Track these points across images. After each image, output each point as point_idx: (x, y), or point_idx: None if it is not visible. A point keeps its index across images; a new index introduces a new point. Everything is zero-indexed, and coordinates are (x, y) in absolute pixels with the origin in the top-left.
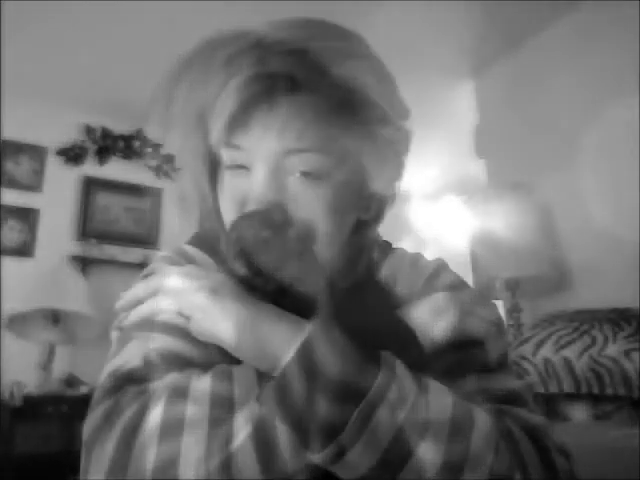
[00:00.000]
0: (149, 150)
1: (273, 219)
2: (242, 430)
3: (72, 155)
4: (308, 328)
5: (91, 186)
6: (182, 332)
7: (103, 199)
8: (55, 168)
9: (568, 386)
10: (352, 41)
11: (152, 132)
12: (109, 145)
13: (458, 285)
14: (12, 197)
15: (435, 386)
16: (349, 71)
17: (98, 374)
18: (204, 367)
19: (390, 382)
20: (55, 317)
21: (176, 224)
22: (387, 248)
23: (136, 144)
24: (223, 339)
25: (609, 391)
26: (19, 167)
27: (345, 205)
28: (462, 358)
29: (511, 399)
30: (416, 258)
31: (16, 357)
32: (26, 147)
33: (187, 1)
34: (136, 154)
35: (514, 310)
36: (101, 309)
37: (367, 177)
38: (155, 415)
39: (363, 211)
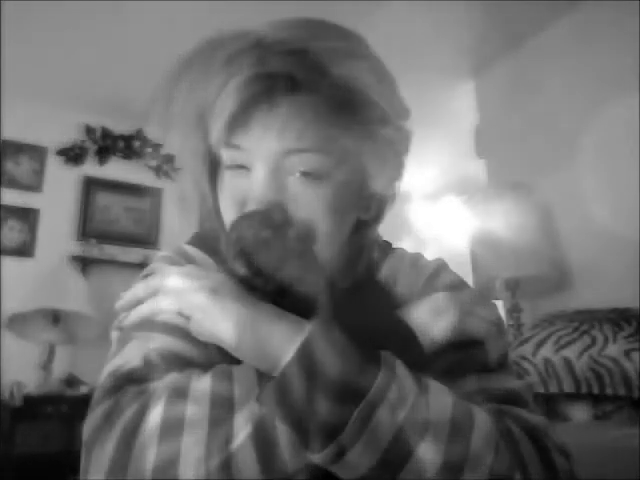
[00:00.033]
0: (149, 150)
1: (273, 219)
2: (242, 430)
3: (72, 155)
4: (308, 328)
5: (91, 186)
6: (182, 332)
7: (103, 199)
8: (55, 168)
9: (568, 386)
10: (352, 41)
11: (152, 132)
12: (109, 145)
13: (458, 285)
14: (12, 197)
15: (435, 386)
16: (349, 71)
17: (98, 374)
18: (204, 367)
19: (390, 382)
20: (55, 317)
21: (176, 224)
22: (387, 248)
23: (136, 144)
24: (223, 339)
25: (609, 391)
26: (19, 167)
27: (345, 205)
28: (462, 358)
29: (511, 399)
30: (416, 258)
31: (16, 357)
32: (26, 147)
33: (187, 1)
34: (136, 154)
35: (514, 310)
36: (101, 309)
37: (367, 177)
38: (155, 415)
39: (363, 211)
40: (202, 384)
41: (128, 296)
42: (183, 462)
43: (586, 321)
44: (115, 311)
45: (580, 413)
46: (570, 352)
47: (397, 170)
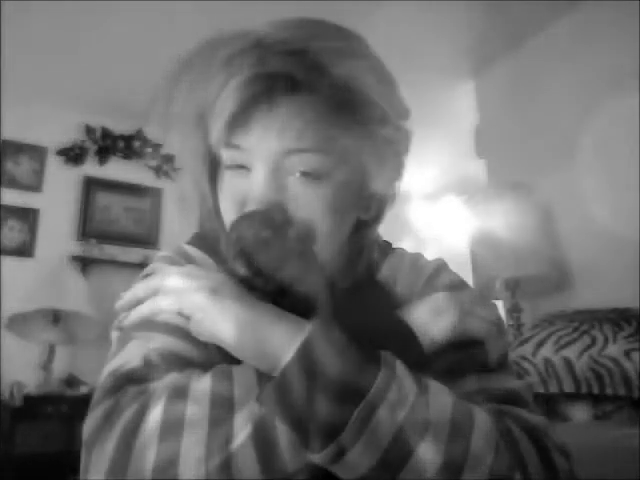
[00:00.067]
0: (149, 150)
1: (273, 219)
2: (242, 430)
3: (72, 155)
4: (308, 328)
5: (91, 186)
6: (182, 332)
7: (103, 199)
8: (55, 168)
9: (568, 386)
10: (352, 41)
11: (152, 132)
12: (109, 145)
13: (458, 285)
14: (12, 197)
15: (435, 386)
16: (349, 71)
17: (98, 374)
18: (204, 367)
19: (390, 382)
20: (55, 317)
21: (176, 224)
22: (387, 248)
23: (136, 144)
24: (223, 339)
25: (609, 391)
26: (19, 167)
27: (345, 205)
28: (462, 358)
29: (511, 399)
30: (416, 258)
31: (16, 357)
32: (26, 147)
33: (187, 1)
34: (136, 154)
35: (514, 310)
36: (101, 309)
37: (367, 177)
38: (155, 415)
39: (363, 211)
40: (202, 384)
41: (128, 296)
42: (183, 462)
43: (586, 321)
44: (115, 311)
45: (580, 413)
46: (570, 352)
47: (397, 170)
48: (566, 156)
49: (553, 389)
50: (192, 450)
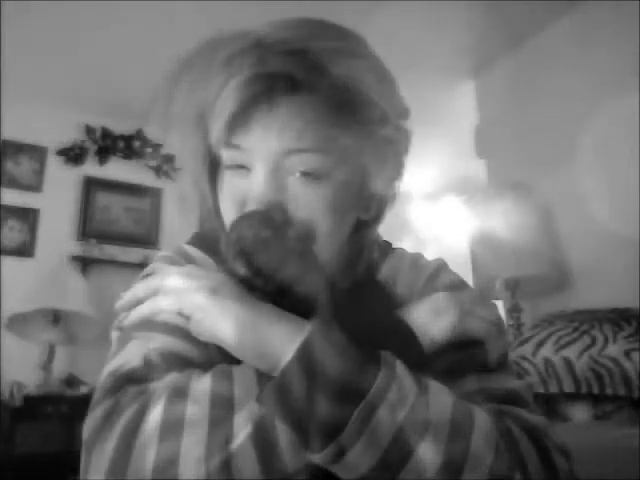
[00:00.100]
0: (149, 150)
1: (273, 219)
2: (242, 430)
3: (72, 155)
4: (308, 328)
5: (91, 186)
6: (182, 332)
7: (103, 199)
8: (55, 168)
9: (568, 386)
10: (352, 41)
11: (152, 132)
12: (109, 145)
13: (458, 285)
14: (12, 197)
15: (435, 386)
16: (349, 71)
17: (98, 374)
18: (204, 367)
19: (390, 382)
20: (55, 317)
21: (176, 224)
22: (387, 248)
23: (136, 144)
24: (223, 339)
25: (609, 391)
26: (19, 167)
27: (345, 205)
28: (462, 358)
29: (511, 399)
30: (416, 258)
31: (16, 357)
32: (26, 147)
33: (187, 1)
34: (136, 154)
35: (514, 310)
36: (101, 309)
37: (367, 177)
38: (155, 415)
39: (363, 211)
40: (202, 384)
41: (128, 296)
42: (183, 462)
43: (586, 321)
44: (115, 311)
45: (580, 413)
46: (570, 352)
47: (397, 170)
48: (566, 156)
49: (553, 389)
50: (192, 450)
